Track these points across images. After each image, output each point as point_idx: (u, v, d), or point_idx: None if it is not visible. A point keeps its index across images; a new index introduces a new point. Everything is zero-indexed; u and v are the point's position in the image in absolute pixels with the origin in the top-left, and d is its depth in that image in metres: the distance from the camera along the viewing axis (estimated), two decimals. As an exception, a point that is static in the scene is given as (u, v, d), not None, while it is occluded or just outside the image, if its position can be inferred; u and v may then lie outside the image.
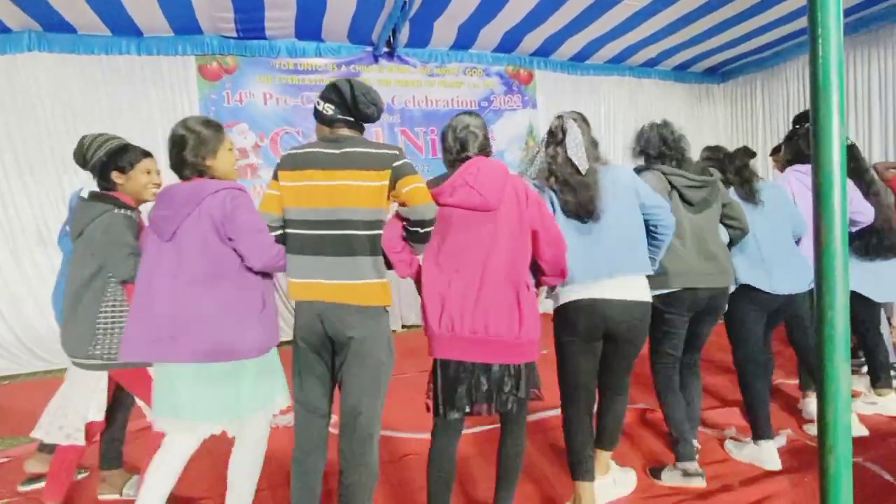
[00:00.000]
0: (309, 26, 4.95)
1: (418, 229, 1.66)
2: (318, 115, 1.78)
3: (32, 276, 4.54)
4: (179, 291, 1.61)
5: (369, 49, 5.48)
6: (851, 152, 2.66)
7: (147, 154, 2.04)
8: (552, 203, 1.89)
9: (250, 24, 4.79)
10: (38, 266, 4.55)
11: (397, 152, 1.70)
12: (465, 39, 5.51)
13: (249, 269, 1.68)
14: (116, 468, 2.30)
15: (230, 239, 1.64)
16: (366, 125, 1.81)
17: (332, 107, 1.73)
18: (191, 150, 1.68)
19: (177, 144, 1.69)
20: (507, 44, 5.68)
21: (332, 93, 1.74)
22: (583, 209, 1.85)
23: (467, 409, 1.66)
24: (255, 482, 1.81)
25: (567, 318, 1.91)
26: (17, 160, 4.49)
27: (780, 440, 2.45)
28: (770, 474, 2.19)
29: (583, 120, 2.01)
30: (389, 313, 1.76)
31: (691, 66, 6.70)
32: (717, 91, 7.10)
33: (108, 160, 1.95)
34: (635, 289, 1.89)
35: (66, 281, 1.99)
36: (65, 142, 4.59)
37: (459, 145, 1.78)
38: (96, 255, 1.87)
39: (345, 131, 1.75)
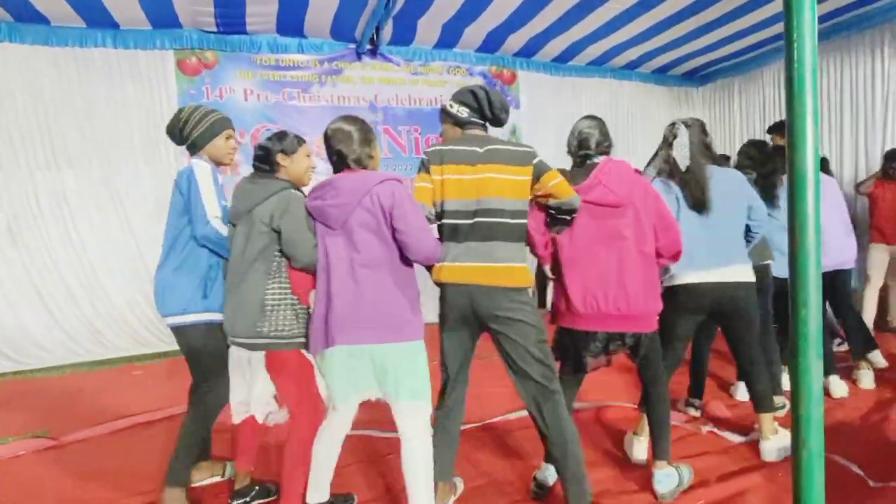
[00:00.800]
0: (291, 22, 4.90)
1: (566, 216, 1.96)
2: (450, 115, 1.98)
3: (2, 273, 4.41)
4: (360, 278, 1.75)
5: (352, 46, 5.44)
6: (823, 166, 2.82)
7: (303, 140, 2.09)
8: (677, 199, 2.27)
9: (231, 19, 4.72)
10: (10, 262, 4.42)
11: (533, 150, 1.92)
12: (448, 38, 5.51)
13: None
14: (205, 459, 2.33)
15: (396, 229, 1.75)
16: None
17: (468, 110, 1.95)
18: (358, 143, 1.82)
19: (346, 137, 1.81)
20: (491, 44, 5.70)
21: (467, 97, 1.96)
22: (696, 201, 2.24)
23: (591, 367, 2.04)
24: (430, 478, 1.81)
25: (680, 295, 2.30)
26: (-14, 154, 4.35)
27: (754, 435, 2.50)
28: (746, 470, 2.24)
29: (699, 126, 2.34)
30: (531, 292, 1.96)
31: (671, 69, 6.80)
32: (696, 94, 7.23)
33: (273, 142, 1.98)
34: (745, 274, 2.33)
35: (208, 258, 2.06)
36: (35, 136, 4.47)
37: (577, 144, 2.09)
38: (265, 234, 1.85)
39: (478, 132, 1.95)
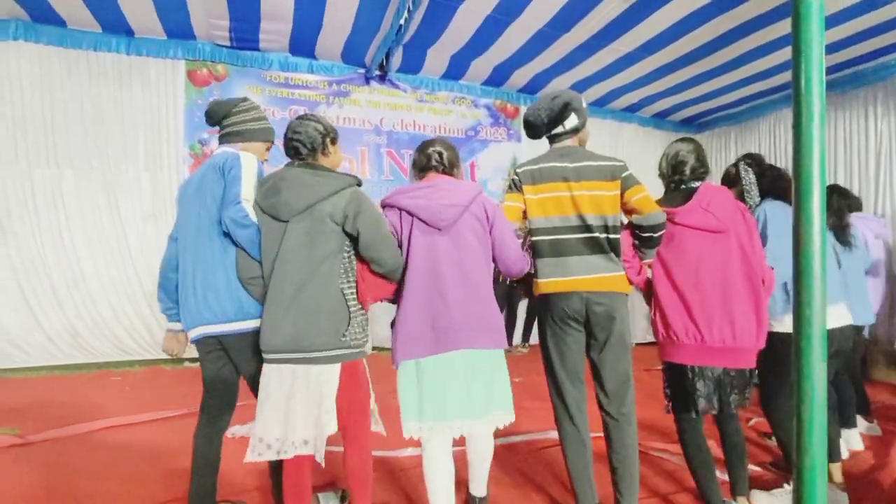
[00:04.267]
0: (303, 42, 5.02)
1: (652, 234, 1.91)
2: (531, 128, 2.05)
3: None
4: (470, 283, 1.74)
5: (361, 70, 5.56)
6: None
7: None
8: None
9: (245, 35, 4.83)
10: (-3, 258, 4.35)
11: (623, 164, 1.91)
12: (456, 70, 5.65)
13: None
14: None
15: (492, 238, 1.82)
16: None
17: (544, 122, 2.00)
18: (456, 157, 1.91)
19: (447, 150, 1.89)
20: (497, 78, 5.84)
21: (530, 113, 2.03)
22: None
23: (704, 406, 1.91)
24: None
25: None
26: (-13, 147, 4.34)
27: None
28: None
29: (756, 162, 2.35)
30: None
31: (670, 115, 6.98)
32: (694, 141, 7.39)
33: (327, 131, 1.81)
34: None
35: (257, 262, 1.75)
36: (39, 133, 4.47)
37: (672, 168, 2.05)
38: (336, 234, 1.67)
39: (566, 143, 1.99)
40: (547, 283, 1.91)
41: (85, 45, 4.58)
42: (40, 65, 4.47)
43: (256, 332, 1.72)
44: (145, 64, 4.80)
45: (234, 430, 2.95)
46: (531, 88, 6.10)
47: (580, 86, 5.93)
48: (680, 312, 1.92)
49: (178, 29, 4.67)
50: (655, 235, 1.91)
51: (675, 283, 1.94)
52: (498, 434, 2.07)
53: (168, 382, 4.09)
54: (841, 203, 2.77)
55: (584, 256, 1.88)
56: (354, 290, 1.71)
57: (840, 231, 2.71)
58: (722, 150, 7.05)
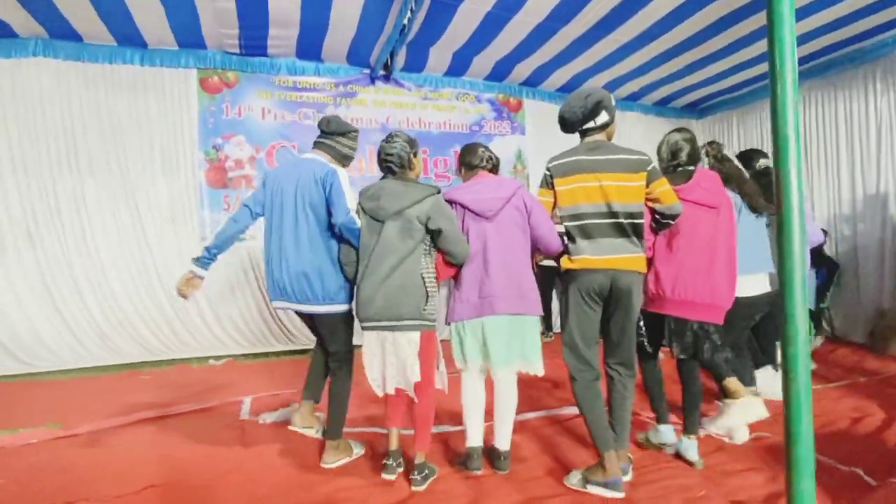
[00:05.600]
0: (310, 46, 5.16)
1: (669, 221, 2.27)
2: (566, 125, 2.34)
3: (17, 272, 4.51)
4: (509, 262, 2.23)
5: (366, 71, 5.70)
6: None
7: None
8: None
9: (253, 42, 4.98)
10: (24, 264, 4.53)
11: (647, 157, 2.20)
12: (458, 66, 5.77)
13: None
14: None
15: (531, 225, 2.26)
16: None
17: (578, 118, 2.28)
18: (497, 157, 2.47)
19: (491, 159, 2.42)
20: (499, 72, 5.96)
21: (564, 108, 2.33)
22: (757, 206, 2.75)
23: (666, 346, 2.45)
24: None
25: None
26: (13, 159, 4.52)
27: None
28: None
29: (714, 154, 2.82)
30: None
31: (671, 101, 7.05)
32: (696, 126, 7.45)
33: (411, 147, 2.35)
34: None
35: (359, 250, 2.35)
36: (61, 144, 4.66)
37: (671, 153, 2.44)
38: (420, 230, 2.20)
39: (596, 137, 2.26)
40: (578, 260, 2.19)
41: (101, 59, 4.75)
42: (59, 79, 4.65)
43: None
44: (159, 74, 4.97)
45: (263, 417, 3.12)
46: (533, 81, 6.21)
47: (581, 77, 6.04)
48: (672, 272, 2.32)
49: (190, 39, 4.84)
50: (672, 221, 2.27)
51: (671, 247, 2.35)
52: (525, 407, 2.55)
53: (195, 379, 4.26)
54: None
55: (612, 239, 2.15)
56: (432, 275, 2.23)
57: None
58: (725, 134, 7.09)
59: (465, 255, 2.21)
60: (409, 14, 4.30)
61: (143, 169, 4.93)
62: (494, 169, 2.41)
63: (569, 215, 2.21)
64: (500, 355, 2.23)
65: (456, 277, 2.34)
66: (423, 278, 2.19)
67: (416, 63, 5.66)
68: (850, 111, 5.52)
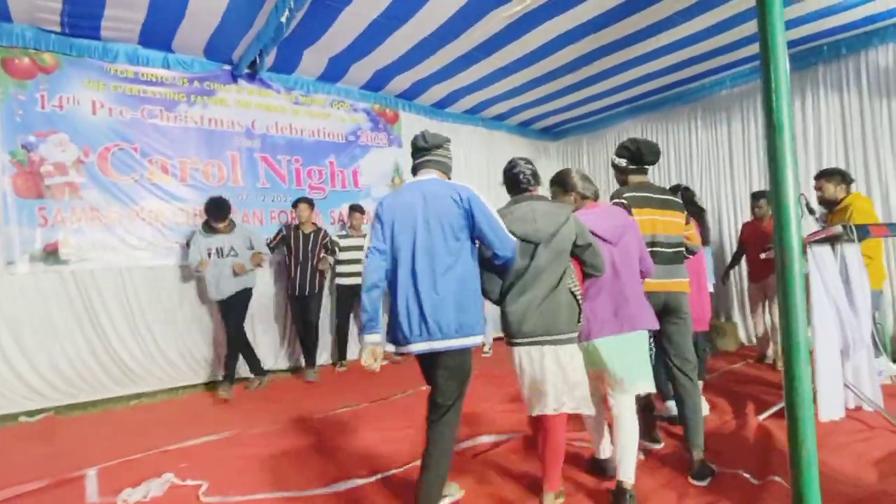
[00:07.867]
0: (158, 34, 4.39)
1: (690, 256, 2.78)
2: (617, 168, 2.78)
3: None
4: (631, 282, 2.34)
5: (227, 67, 5.06)
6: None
7: None
8: None
9: (81, 21, 4.07)
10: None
11: (682, 203, 2.72)
12: (334, 72, 5.44)
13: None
14: None
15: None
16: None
17: (625, 161, 2.74)
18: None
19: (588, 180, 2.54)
20: (376, 82, 5.75)
21: (622, 150, 2.74)
22: None
23: None
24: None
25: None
26: None
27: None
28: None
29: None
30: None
31: (532, 123, 7.57)
32: (552, 147, 8.13)
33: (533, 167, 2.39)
34: None
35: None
36: None
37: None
38: (568, 250, 2.18)
39: (643, 178, 2.73)
40: (647, 283, 2.51)
41: None
42: None
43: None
44: (-64, 47, 3.78)
45: (125, 496, 2.51)
46: (410, 94, 6.12)
47: (456, 95, 6.14)
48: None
49: (-13, 7, 3.76)
50: (689, 257, 2.78)
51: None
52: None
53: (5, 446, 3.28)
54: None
55: (665, 266, 2.58)
56: (579, 289, 2.21)
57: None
58: (576, 156, 7.86)
59: (605, 267, 2.28)
60: (287, 12, 3.89)
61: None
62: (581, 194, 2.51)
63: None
64: (626, 373, 2.31)
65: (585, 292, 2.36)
66: (573, 293, 2.17)
67: (287, 64, 5.19)
68: (678, 140, 6.49)
